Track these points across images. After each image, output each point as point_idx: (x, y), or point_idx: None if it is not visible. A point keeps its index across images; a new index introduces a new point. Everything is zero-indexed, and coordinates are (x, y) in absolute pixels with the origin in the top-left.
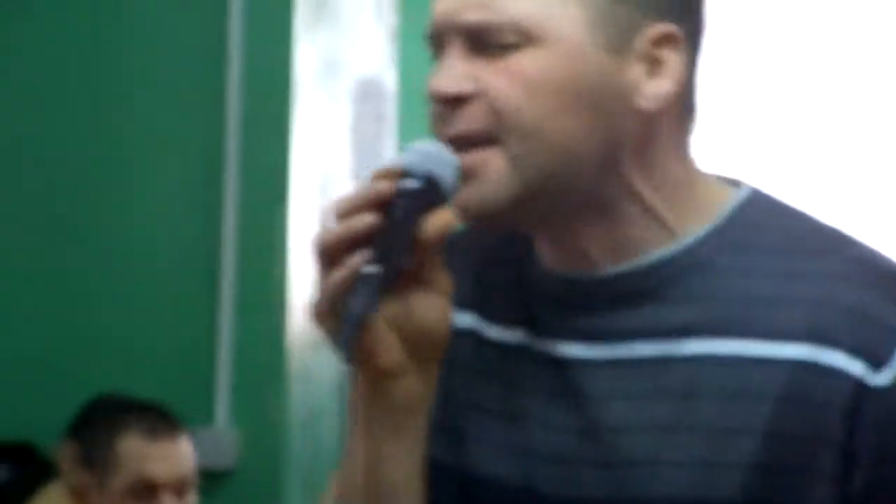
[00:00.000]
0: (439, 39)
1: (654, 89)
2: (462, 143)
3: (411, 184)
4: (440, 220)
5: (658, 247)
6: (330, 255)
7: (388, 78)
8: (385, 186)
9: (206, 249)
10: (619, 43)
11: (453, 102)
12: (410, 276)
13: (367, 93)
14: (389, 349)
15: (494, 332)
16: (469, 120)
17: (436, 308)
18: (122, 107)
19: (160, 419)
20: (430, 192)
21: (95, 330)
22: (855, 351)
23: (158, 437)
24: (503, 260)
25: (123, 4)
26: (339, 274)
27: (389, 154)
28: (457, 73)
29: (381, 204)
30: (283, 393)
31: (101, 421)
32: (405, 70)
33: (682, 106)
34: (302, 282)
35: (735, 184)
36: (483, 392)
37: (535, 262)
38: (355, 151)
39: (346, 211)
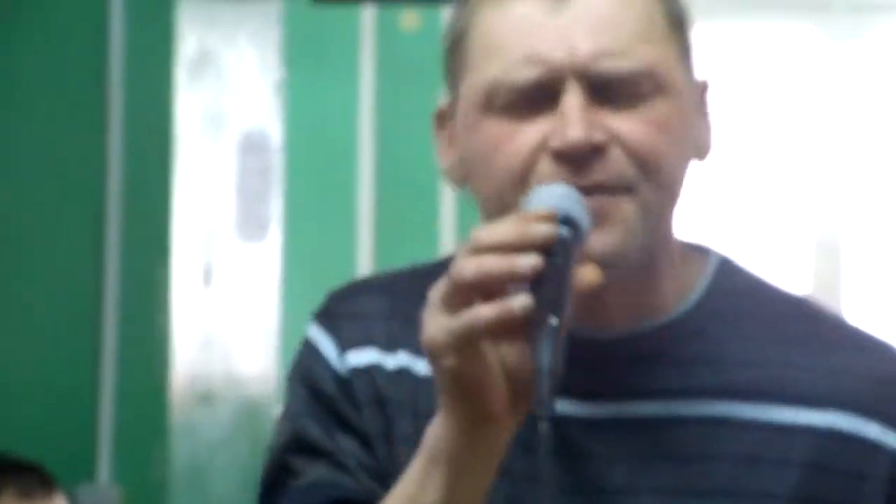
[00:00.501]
0: (547, 85)
1: (706, 140)
2: (595, 191)
3: (564, 231)
4: (591, 275)
5: (668, 309)
6: (476, 288)
7: (274, 131)
8: (549, 231)
9: (88, 304)
10: (693, 89)
11: (588, 153)
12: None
13: (251, 146)
14: (501, 394)
15: None
16: (609, 169)
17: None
18: (1, 162)
19: (36, 479)
20: (578, 240)
21: None
22: (891, 423)
23: (34, 497)
24: None
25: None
26: (490, 312)
27: (276, 207)
28: (588, 121)
29: (540, 248)
30: (166, 448)
31: None
32: (292, 123)
33: None
34: (184, 337)
35: (701, 249)
36: None
37: None
38: (240, 205)
39: (503, 247)
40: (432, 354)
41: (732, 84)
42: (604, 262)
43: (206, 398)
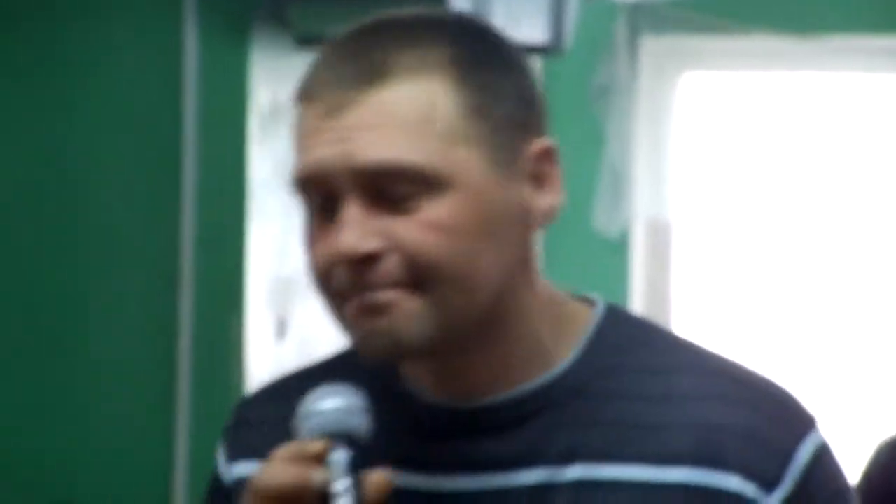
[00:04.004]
0: (331, 193)
1: (544, 205)
2: (375, 289)
3: (341, 457)
4: (380, 485)
5: (540, 371)
6: None
7: None
8: (325, 478)
9: (163, 358)
10: (509, 167)
11: (362, 260)
12: None
13: None
14: None
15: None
16: (384, 275)
17: None
18: (79, 216)
19: None
20: (358, 455)
21: (56, 447)
22: (749, 473)
23: None
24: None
25: (77, 113)
26: None
27: None
28: (364, 229)
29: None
30: None
31: None
32: None
33: None
34: None
35: (587, 300)
36: None
37: (404, 395)
38: None
39: (284, 496)
40: None
41: (815, 133)
42: (377, 349)
43: None
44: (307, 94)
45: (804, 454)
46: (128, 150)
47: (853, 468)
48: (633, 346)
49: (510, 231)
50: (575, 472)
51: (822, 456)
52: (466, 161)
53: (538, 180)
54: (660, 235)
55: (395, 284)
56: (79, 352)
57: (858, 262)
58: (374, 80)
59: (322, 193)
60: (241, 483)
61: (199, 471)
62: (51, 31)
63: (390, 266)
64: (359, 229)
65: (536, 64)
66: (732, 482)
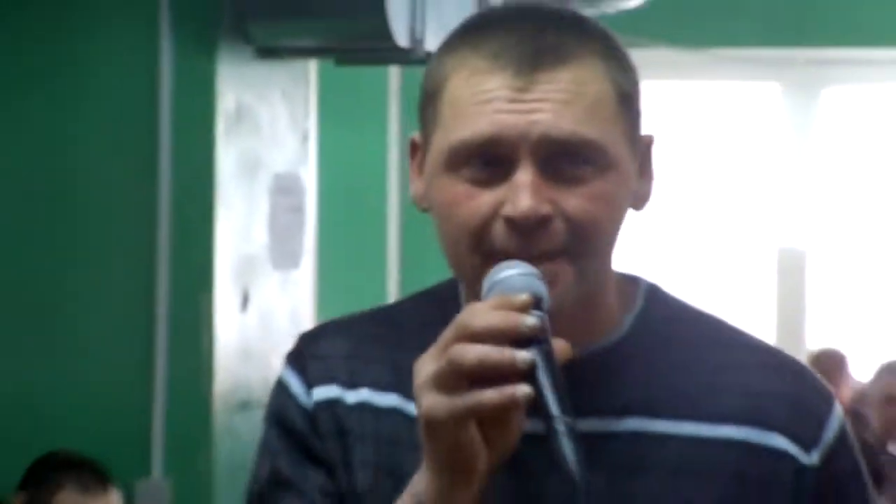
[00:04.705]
0: (504, 157)
1: (644, 191)
2: (541, 257)
3: (540, 315)
4: (563, 351)
5: (602, 335)
6: (472, 374)
7: (304, 174)
8: (537, 323)
9: (143, 326)
10: (635, 154)
11: (535, 223)
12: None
13: (283, 188)
14: (483, 456)
15: None
16: (552, 238)
17: (523, 421)
18: (67, 209)
19: (93, 475)
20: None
21: (46, 393)
22: (792, 435)
23: (90, 491)
24: (421, 345)
25: (65, 115)
26: (494, 398)
27: (308, 241)
28: (539, 195)
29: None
30: (211, 448)
31: (44, 476)
32: (326, 168)
33: None
34: (226, 352)
35: (631, 278)
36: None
37: None
38: (273, 239)
39: (495, 335)
40: (430, 427)
41: (698, 137)
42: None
43: (244, 405)
44: (478, 65)
45: (835, 420)
46: (110, 148)
47: None
48: (678, 319)
49: (626, 210)
50: (629, 424)
51: (844, 423)
52: (622, 144)
53: (641, 169)
54: None
55: (558, 251)
56: (68, 326)
57: (737, 260)
58: (559, 60)
59: (488, 157)
60: (322, 405)
61: (175, 427)
62: (42, 42)
63: (558, 231)
64: (536, 194)
65: None
66: (779, 441)
